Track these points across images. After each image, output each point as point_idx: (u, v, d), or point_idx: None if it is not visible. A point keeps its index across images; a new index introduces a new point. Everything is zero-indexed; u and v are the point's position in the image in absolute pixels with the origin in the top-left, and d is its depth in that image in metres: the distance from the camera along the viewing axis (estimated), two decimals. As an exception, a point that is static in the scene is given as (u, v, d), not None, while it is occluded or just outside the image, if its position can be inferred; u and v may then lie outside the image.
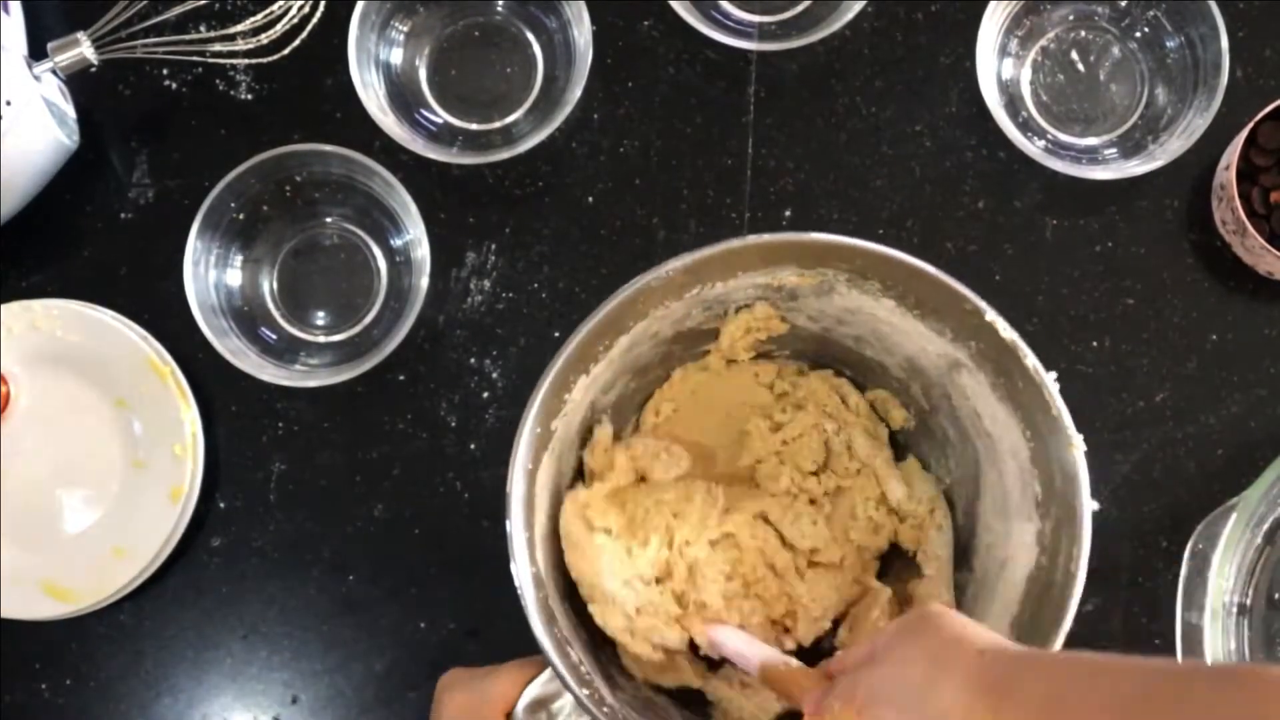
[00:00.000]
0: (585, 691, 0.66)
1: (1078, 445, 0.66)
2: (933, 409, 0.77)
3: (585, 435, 0.76)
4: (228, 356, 0.79)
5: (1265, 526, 0.78)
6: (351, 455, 0.83)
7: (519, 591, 0.66)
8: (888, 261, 0.68)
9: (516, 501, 0.67)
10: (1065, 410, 0.67)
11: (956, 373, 0.73)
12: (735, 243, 0.69)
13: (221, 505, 0.83)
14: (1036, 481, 0.70)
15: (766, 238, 0.69)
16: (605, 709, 0.67)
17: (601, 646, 0.73)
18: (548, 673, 0.68)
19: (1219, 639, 0.76)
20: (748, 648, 0.70)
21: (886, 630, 0.61)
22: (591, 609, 0.72)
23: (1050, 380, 0.67)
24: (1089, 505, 0.66)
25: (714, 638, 0.71)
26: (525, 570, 0.67)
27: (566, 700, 0.68)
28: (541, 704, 0.68)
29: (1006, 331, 0.67)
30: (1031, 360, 0.67)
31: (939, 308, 0.70)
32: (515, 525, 0.67)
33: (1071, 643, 0.81)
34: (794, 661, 0.68)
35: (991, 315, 0.67)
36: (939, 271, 0.68)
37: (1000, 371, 0.70)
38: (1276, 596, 0.79)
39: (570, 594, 0.72)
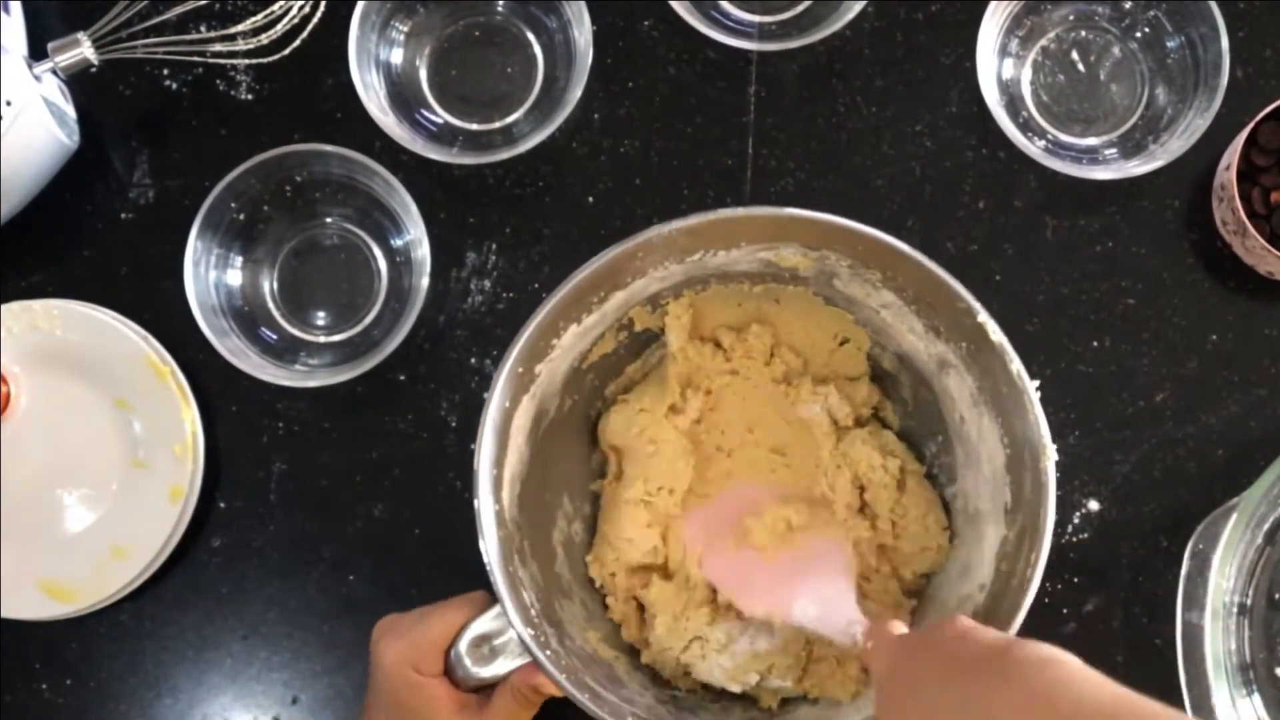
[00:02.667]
0: (530, 632, 0.66)
1: (1050, 456, 0.67)
2: (918, 407, 0.77)
3: (570, 388, 0.76)
4: (228, 356, 0.79)
5: (1266, 526, 0.78)
6: (351, 455, 0.83)
7: (478, 523, 0.67)
8: (891, 251, 0.68)
9: (489, 435, 0.67)
10: (1043, 419, 0.67)
11: (945, 373, 0.73)
12: (741, 211, 0.69)
13: (221, 505, 0.83)
14: (1008, 489, 0.70)
15: (772, 210, 0.69)
16: (549, 652, 0.67)
17: (562, 604, 0.74)
18: (495, 609, 0.68)
19: (1219, 639, 0.76)
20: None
21: (963, 637, 0.57)
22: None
23: (1032, 388, 0.67)
24: (1052, 516, 0.67)
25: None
26: (489, 506, 0.67)
27: (510, 637, 0.68)
28: (484, 639, 0.69)
29: (996, 334, 0.68)
30: (1016, 365, 0.67)
31: (935, 304, 0.70)
32: (483, 460, 0.67)
33: (1072, 642, 0.81)
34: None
35: (984, 317, 0.68)
36: (938, 267, 0.68)
37: (986, 374, 0.70)
38: (1277, 596, 0.79)
39: (535, 552, 0.73)
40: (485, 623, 0.69)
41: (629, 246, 0.68)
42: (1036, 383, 0.67)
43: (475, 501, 0.67)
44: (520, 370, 0.69)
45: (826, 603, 0.71)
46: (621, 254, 0.68)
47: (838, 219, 0.69)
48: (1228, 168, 0.79)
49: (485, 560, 0.67)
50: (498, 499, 0.68)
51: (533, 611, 0.68)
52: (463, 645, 0.69)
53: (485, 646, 0.68)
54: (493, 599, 0.68)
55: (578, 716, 0.68)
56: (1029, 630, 0.66)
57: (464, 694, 0.70)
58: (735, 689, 0.74)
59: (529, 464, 0.73)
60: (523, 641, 0.66)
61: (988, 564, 0.71)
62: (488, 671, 0.69)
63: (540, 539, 0.74)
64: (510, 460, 0.70)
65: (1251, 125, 0.78)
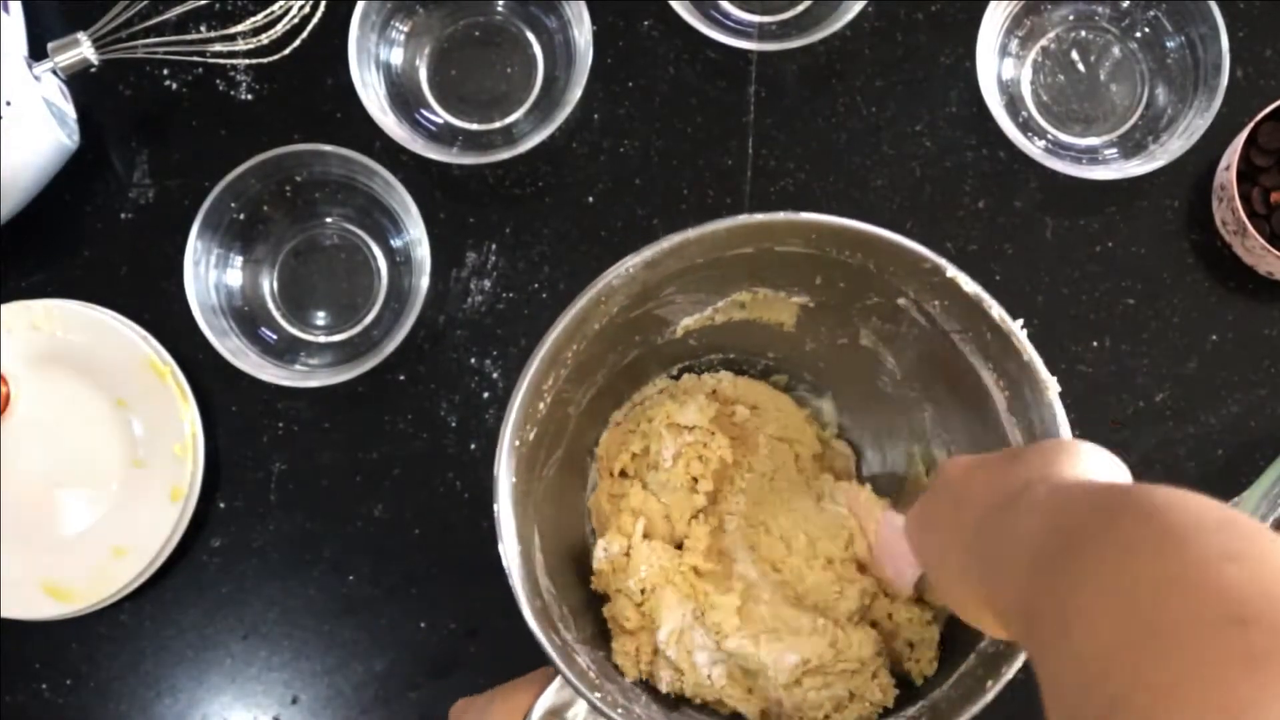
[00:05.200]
0: (597, 695, 0.66)
1: (1052, 387, 0.66)
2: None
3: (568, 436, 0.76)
4: (228, 356, 0.79)
5: (1265, 526, 0.78)
6: (351, 455, 0.83)
7: (519, 604, 0.66)
8: (840, 233, 0.68)
9: (506, 514, 0.67)
10: (1036, 355, 0.66)
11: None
12: (692, 233, 0.68)
13: (221, 505, 0.83)
14: (1016, 429, 0.69)
15: (725, 223, 0.68)
16: (620, 710, 0.66)
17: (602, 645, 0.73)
18: (557, 682, 0.67)
19: (1219, 639, 0.75)
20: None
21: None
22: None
23: (1018, 327, 0.67)
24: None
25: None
26: (521, 583, 0.66)
27: (581, 707, 0.67)
28: (555, 714, 0.68)
29: (969, 285, 0.67)
30: (997, 310, 0.67)
31: (900, 272, 0.69)
32: (507, 539, 0.66)
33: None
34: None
35: (953, 271, 0.67)
36: (893, 234, 0.67)
37: (968, 327, 0.69)
38: (1276, 596, 0.79)
39: (576, 613, 0.72)
40: (551, 696, 0.67)
41: (667, 248, 0.68)
42: (1020, 321, 0.67)
43: (510, 581, 0.66)
44: (517, 443, 0.68)
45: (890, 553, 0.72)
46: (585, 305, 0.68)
47: (781, 215, 0.68)
48: (1227, 168, 0.79)
49: (538, 639, 0.65)
50: (528, 574, 0.67)
51: (591, 674, 0.67)
52: None
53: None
54: (554, 672, 0.66)
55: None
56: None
57: None
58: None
59: (547, 522, 0.73)
60: (593, 706, 0.65)
61: None
62: None
63: (578, 598, 0.74)
64: (530, 531, 0.70)
65: (1251, 125, 0.78)
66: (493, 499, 0.66)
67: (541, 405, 0.69)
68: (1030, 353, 0.67)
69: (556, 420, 0.73)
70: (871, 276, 0.70)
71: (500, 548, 0.66)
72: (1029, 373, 0.67)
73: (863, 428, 0.81)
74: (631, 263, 0.67)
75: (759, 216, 0.68)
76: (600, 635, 0.74)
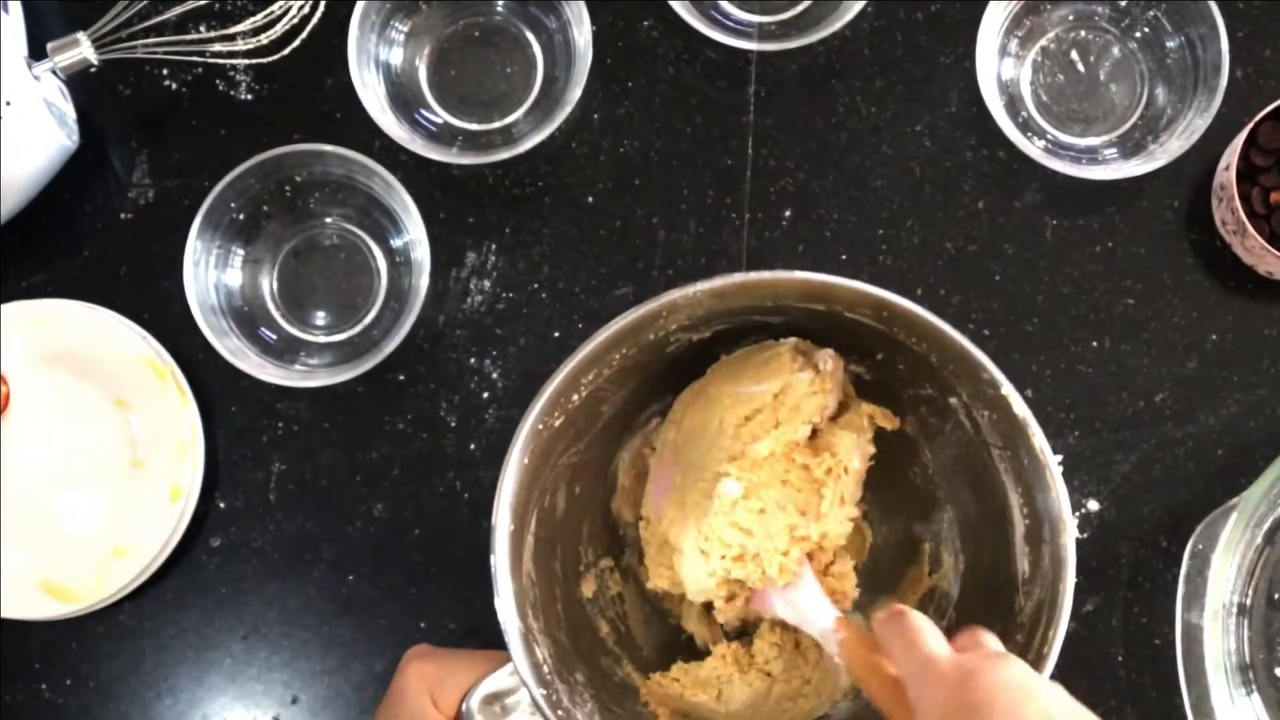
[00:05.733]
0: (543, 692, 0.66)
1: (1071, 531, 0.67)
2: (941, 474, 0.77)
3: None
4: (228, 356, 0.79)
5: (1265, 526, 0.78)
6: (351, 455, 0.83)
7: (493, 577, 0.66)
8: (912, 319, 0.67)
9: (508, 487, 0.67)
10: (1065, 492, 0.67)
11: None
12: (768, 275, 0.68)
13: (221, 505, 0.83)
14: (1026, 559, 0.70)
15: (804, 275, 0.68)
16: (560, 712, 0.66)
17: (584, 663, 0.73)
18: (508, 667, 0.67)
19: (1219, 639, 0.76)
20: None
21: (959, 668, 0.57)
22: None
23: (1054, 461, 0.67)
24: (1071, 592, 0.66)
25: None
26: (504, 559, 0.66)
27: (523, 697, 0.67)
28: (497, 697, 0.68)
29: (1020, 407, 0.67)
30: (1040, 440, 0.67)
31: (958, 373, 0.69)
32: (502, 511, 0.67)
33: (1072, 641, 0.81)
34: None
35: (1008, 389, 0.67)
36: (963, 337, 0.67)
37: (1009, 446, 0.69)
38: (1276, 596, 0.79)
39: (552, 610, 0.72)
40: (499, 680, 0.67)
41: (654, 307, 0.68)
42: (1059, 457, 0.67)
43: (491, 557, 0.66)
44: (540, 426, 0.68)
45: (798, 603, 0.71)
46: (646, 314, 0.68)
47: (880, 292, 0.67)
48: (1227, 168, 0.79)
49: (499, 615, 0.66)
50: (515, 553, 0.67)
51: (545, 669, 0.67)
52: (475, 701, 0.67)
53: (498, 705, 0.67)
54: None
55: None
56: (1029, 630, 0.66)
57: None
58: None
59: (549, 517, 0.72)
60: (533, 701, 0.65)
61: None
62: None
63: (555, 595, 0.73)
64: (529, 512, 0.70)
65: (1251, 125, 0.78)
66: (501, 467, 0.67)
67: (576, 396, 0.69)
68: (1060, 489, 0.67)
69: (587, 415, 0.72)
70: (931, 369, 0.70)
71: (494, 517, 0.66)
72: (1053, 507, 0.67)
73: (879, 507, 0.80)
74: (700, 288, 0.67)
75: (837, 279, 0.68)
76: (572, 629, 0.74)
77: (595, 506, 0.79)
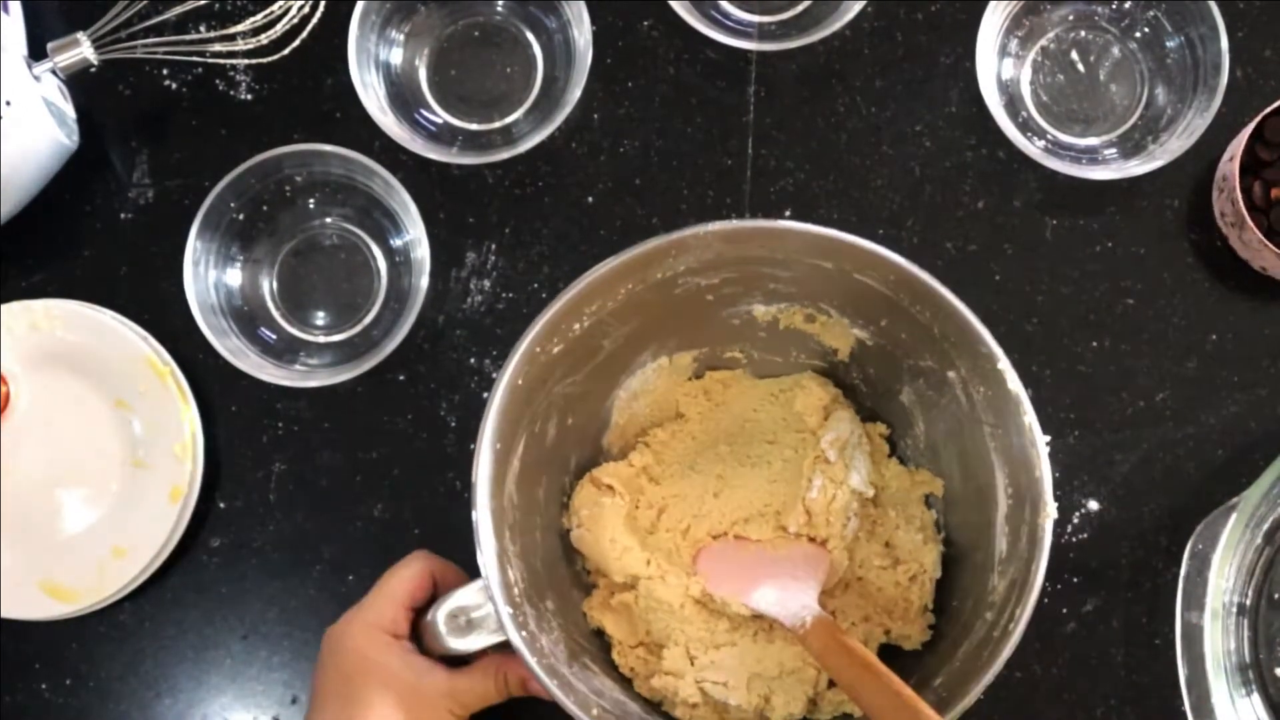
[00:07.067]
0: (510, 610, 0.66)
1: (1050, 514, 0.67)
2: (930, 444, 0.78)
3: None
4: (228, 356, 0.79)
5: (1265, 526, 0.78)
6: (351, 455, 0.83)
7: (473, 491, 0.66)
8: (918, 287, 0.68)
9: (496, 408, 0.67)
10: (1049, 475, 0.67)
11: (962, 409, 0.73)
12: (781, 224, 0.69)
13: (221, 505, 0.83)
14: (1004, 539, 0.70)
15: (815, 229, 0.68)
16: (525, 634, 0.66)
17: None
18: (479, 582, 0.67)
19: (1219, 639, 0.76)
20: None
21: None
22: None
23: (1043, 442, 0.67)
24: (1043, 572, 0.66)
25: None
26: (486, 474, 0.67)
27: (489, 612, 0.67)
28: (463, 611, 0.68)
29: (1014, 384, 0.67)
30: (1030, 418, 0.67)
31: (959, 345, 0.70)
32: (488, 431, 0.67)
33: (1072, 643, 0.81)
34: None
35: (1004, 364, 0.67)
36: (968, 310, 0.68)
37: (1001, 424, 0.70)
38: (1276, 596, 0.79)
39: (529, 534, 0.73)
40: (467, 595, 0.68)
41: (666, 242, 0.68)
42: (1047, 438, 0.68)
43: (474, 473, 0.67)
44: (538, 349, 0.68)
45: (785, 590, 0.72)
46: (654, 249, 0.68)
47: (873, 246, 0.68)
48: (1231, 159, 0.79)
49: (475, 530, 0.66)
50: (498, 474, 0.68)
51: (515, 590, 0.68)
52: (440, 614, 0.68)
53: (463, 618, 0.68)
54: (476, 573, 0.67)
55: (548, 709, 0.68)
56: (1028, 633, 0.66)
57: (433, 659, 0.70)
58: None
59: (537, 443, 0.73)
60: (499, 618, 0.66)
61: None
62: (461, 644, 0.68)
63: (536, 523, 0.74)
64: (518, 435, 0.70)
65: (1259, 119, 0.78)
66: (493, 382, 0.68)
67: (577, 326, 0.69)
68: (1045, 468, 0.67)
69: (586, 346, 0.72)
70: (933, 340, 0.71)
71: (480, 438, 0.67)
72: (1035, 489, 0.67)
73: None
74: (711, 228, 0.67)
75: (848, 236, 0.68)
76: (547, 559, 0.75)
77: (587, 441, 0.79)
